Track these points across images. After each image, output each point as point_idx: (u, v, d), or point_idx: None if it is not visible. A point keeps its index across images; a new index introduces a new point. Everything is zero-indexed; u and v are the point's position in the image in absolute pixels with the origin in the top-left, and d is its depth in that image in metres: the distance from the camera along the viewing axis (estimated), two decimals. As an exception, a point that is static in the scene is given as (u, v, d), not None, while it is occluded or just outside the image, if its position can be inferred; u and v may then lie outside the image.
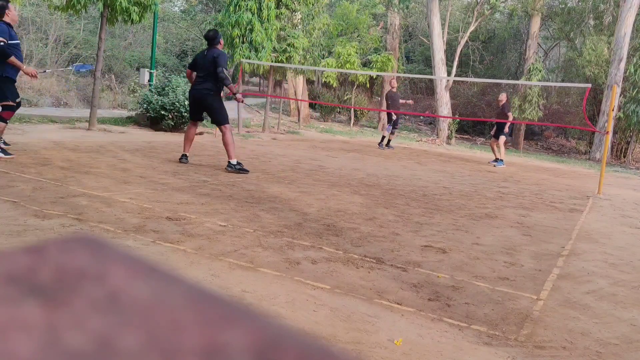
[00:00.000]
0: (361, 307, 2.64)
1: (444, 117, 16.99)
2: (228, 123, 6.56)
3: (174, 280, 0.26)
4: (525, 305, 2.89)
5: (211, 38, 6.59)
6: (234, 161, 6.43)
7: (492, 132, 12.60)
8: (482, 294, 3.02)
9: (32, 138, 7.34)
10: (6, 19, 5.69)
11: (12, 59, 5.55)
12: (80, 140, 7.75)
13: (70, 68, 11.09)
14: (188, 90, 10.57)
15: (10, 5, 5.79)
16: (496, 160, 11.65)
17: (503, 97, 11.87)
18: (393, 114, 12.44)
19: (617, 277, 3.63)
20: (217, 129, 6.93)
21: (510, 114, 11.89)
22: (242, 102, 7.52)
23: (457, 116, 19.84)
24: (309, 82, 21.89)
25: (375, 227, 4.34)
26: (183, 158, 6.66)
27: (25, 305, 0.22)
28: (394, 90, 12.70)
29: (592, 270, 3.75)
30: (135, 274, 0.25)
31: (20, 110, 10.58)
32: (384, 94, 13.60)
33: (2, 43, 5.45)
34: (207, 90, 6.49)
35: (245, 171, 6.41)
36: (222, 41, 6.73)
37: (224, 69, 6.38)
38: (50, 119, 9.93)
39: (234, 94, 6.70)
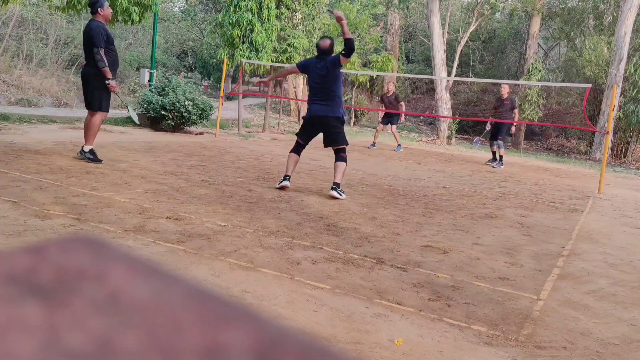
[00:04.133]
0: (361, 307, 2.63)
1: (444, 117, 16.99)
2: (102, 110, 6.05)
3: (174, 280, 0.26)
4: (526, 305, 2.89)
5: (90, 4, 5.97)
6: (87, 148, 5.92)
7: (488, 128, 11.64)
8: (482, 294, 3.02)
9: (32, 138, 7.34)
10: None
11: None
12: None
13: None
14: (188, 90, 10.60)
15: (328, 41, 5.80)
16: (494, 159, 11.44)
17: (507, 88, 11.03)
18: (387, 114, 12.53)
19: (617, 277, 3.63)
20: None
21: (517, 110, 11.15)
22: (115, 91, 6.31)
23: (457, 116, 19.84)
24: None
25: (376, 227, 4.34)
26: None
27: (25, 305, 0.22)
28: (389, 95, 12.73)
29: (592, 270, 3.75)
30: (135, 274, 0.25)
31: (20, 110, 10.58)
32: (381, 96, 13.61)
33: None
34: (87, 69, 6.00)
35: (98, 161, 5.88)
36: (102, 11, 5.92)
37: (99, 50, 5.80)
38: (50, 119, 9.94)
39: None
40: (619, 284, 3.47)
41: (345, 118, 5.71)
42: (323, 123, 5.58)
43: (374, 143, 12.81)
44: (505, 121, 10.88)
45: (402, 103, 12.95)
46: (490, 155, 11.75)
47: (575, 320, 2.75)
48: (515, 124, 11.32)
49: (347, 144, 5.69)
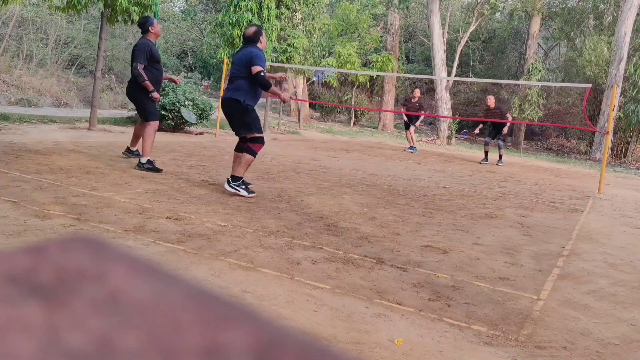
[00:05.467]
0: (361, 307, 2.64)
1: (444, 117, 16.99)
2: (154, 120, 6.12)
3: (174, 280, 0.26)
4: (526, 305, 2.89)
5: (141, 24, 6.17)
6: (144, 159, 5.91)
7: (477, 132, 12.38)
8: (482, 294, 3.02)
9: (32, 138, 7.34)
10: (260, 45, 5.09)
11: (273, 89, 5.02)
12: (80, 140, 7.75)
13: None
14: (188, 90, 10.60)
15: (264, 31, 5.26)
16: (486, 159, 11.80)
17: (492, 99, 11.69)
18: (406, 116, 12.70)
19: (617, 277, 3.63)
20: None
21: (509, 115, 11.81)
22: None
23: (457, 116, 19.83)
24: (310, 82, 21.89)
25: (376, 227, 4.34)
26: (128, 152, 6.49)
27: (25, 305, 0.22)
28: (413, 100, 12.80)
29: (592, 270, 3.75)
30: (135, 274, 0.25)
31: (20, 110, 10.59)
32: (405, 100, 13.68)
33: (262, 72, 4.86)
34: (132, 84, 6.13)
35: (157, 170, 5.84)
36: (152, 29, 6.08)
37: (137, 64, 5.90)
38: (50, 119, 9.94)
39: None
40: (619, 284, 3.47)
41: (248, 105, 4.98)
42: (224, 106, 5.08)
43: (414, 146, 12.87)
44: (501, 120, 11.33)
45: (424, 110, 13.12)
46: (483, 155, 12.00)
47: (575, 320, 2.75)
48: (508, 124, 11.59)
49: (251, 133, 5.01)
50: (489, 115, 11.59)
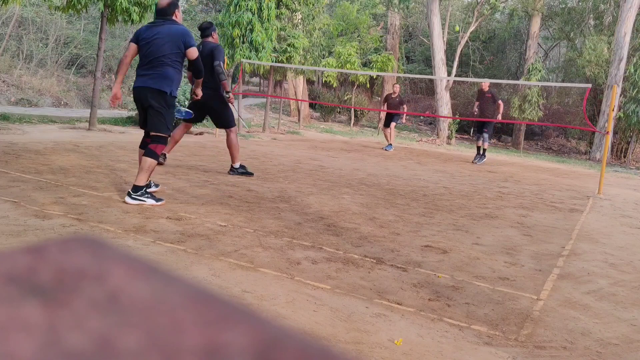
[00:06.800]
0: (361, 307, 2.63)
1: (444, 117, 16.99)
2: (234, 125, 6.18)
3: (174, 280, 0.26)
4: (526, 305, 2.89)
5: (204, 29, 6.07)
6: (237, 165, 6.24)
7: (476, 112, 11.59)
8: (482, 294, 3.02)
9: (32, 138, 7.34)
10: (175, 20, 4.54)
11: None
12: (80, 140, 7.75)
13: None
14: (189, 90, 10.59)
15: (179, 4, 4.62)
16: (482, 155, 11.56)
17: (487, 83, 11.20)
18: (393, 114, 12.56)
19: (617, 277, 3.63)
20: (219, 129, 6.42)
21: (500, 102, 11.21)
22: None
23: (457, 116, 19.84)
24: (309, 82, 21.90)
25: (376, 227, 4.34)
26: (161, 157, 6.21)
27: (25, 305, 0.22)
28: (393, 96, 12.75)
29: (592, 270, 3.75)
30: (135, 274, 0.25)
31: (20, 110, 10.59)
32: (384, 96, 13.62)
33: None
34: (207, 91, 5.78)
35: (250, 174, 6.23)
36: (214, 35, 6.06)
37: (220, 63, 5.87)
38: (50, 119, 9.94)
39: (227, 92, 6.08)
40: (619, 284, 3.47)
41: (174, 98, 4.47)
42: (141, 97, 4.36)
43: (390, 144, 12.78)
44: (493, 120, 11.06)
45: (405, 106, 12.98)
46: (475, 152, 11.84)
47: (575, 320, 2.75)
48: (499, 112, 11.26)
49: (166, 134, 4.41)
50: (481, 99, 11.22)
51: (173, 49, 4.30)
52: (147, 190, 4.36)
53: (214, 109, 6.03)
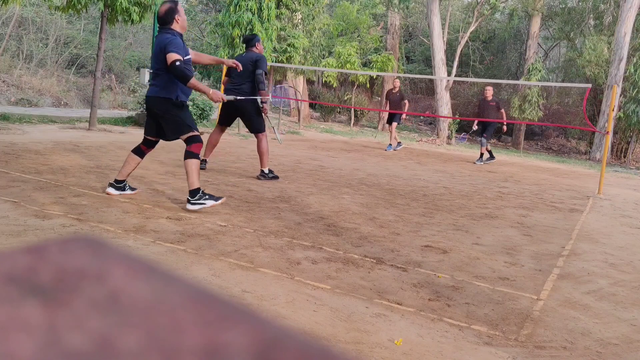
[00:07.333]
0: (361, 307, 2.63)
1: (444, 117, 16.99)
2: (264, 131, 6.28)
3: (174, 280, 0.26)
4: (526, 305, 2.89)
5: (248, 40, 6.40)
6: (266, 169, 6.30)
7: (475, 128, 12.04)
8: (482, 294, 3.02)
9: (32, 138, 7.34)
10: (175, 26, 4.32)
11: (194, 82, 4.23)
12: (80, 140, 7.75)
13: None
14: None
15: (180, 7, 4.39)
16: (490, 156, 11.70)
17: (490, 90, 11.30)
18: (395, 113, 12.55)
19: (617, 277, 3.63)
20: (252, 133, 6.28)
21: (503, 110, 11.44)
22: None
23: (457, 116, 19.84)
24: (309, 82, 21.91)
25: (376, 227, 4.34)
26: (202, 163, 6.25)
27: (25, 305, 0.22)
28: (394, 91, 12.72)
29: (592, 270, 3.75)
30: (135, 274, 0.25)
31: (20, 110, 10.59)
32: (385, 94, 13.60)
33: (178, 62, 4.14)
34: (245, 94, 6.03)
35: (276, 177, 6.29)
36: (259, 45, 6.38)
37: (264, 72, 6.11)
38: (50, 119, 9.94)
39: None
40: (619, 284, 3.47)
41: (182, 101, 4.35)
42: (149, 105, 4.38)
43: (399, 143, 12.77)
44: (494, 120, 11.16)
45: (407, 101, 12.94)
46: (479, 154, 11.95)
47: (575, 320, 2.75)
48: (504, 123, 11.49)
49: (191, 132, 4.33)
50: (484, 107, 11.33)
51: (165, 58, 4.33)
52: (203, 193, 4.28)
53: (247, 113, 6.22)
